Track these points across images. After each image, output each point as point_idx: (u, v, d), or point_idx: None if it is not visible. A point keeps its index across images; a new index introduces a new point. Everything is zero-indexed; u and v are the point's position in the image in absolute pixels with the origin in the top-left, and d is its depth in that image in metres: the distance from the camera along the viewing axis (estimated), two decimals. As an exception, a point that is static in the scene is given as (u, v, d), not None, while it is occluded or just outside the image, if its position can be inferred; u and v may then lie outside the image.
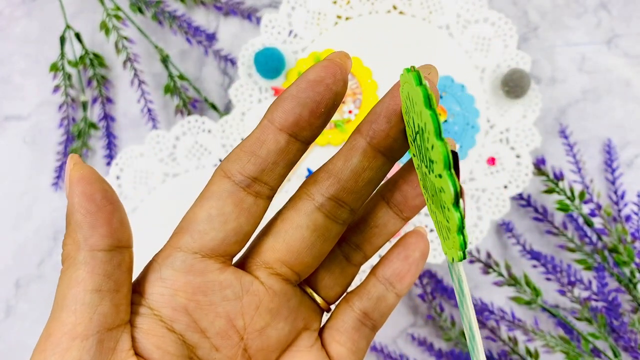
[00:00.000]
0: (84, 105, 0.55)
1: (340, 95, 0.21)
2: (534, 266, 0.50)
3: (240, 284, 0.22)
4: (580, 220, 0.50)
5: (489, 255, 0.50)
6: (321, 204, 0.22)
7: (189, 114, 0.53)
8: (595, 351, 0.47)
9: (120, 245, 0.21)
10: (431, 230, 0.48)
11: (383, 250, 0.45)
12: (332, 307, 0.26)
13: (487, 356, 0.49)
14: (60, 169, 0.54)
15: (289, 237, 0.22)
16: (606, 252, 0.49)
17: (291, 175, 0.49)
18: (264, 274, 0.23)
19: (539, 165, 0.50)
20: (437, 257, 0.47)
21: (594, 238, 0.49)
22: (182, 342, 0.21)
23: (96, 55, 0.55)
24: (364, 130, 0.22)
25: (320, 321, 0.26)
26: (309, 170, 0.49)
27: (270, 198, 0.22)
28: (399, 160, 0.22)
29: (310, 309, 0.25)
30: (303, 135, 0.21)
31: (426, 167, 0.19)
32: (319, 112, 0.21)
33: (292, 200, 0.23)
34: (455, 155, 0.17)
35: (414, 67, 0.19)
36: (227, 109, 0.55)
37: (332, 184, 0.22)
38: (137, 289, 0.22)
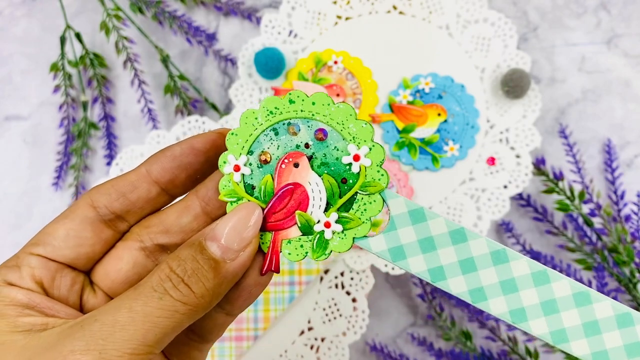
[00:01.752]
0: (84, 105, 0.55)
1: (215, 165, 0.24)
2: (534, 266, 0.50)
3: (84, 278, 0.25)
4: (580, 220, 0.50)
5: (488, 255, 0.50)
6: (146, 247, 0.24)
7: (189, 114, 0.53)
8: (595, 351, 0.47)
9: None
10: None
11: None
12: None
13: (487, 356, 0.49)
14: (61, 169, 0.54)
15: (109, 266, 0.24)
16: (606, 252, 0.49)
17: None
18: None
19: (539, 165, 0.50)
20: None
21: (594, 238, 0.50)
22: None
23: (96, 55, 0.55)
24: (200, 193, 0.24)
25: None
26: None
27: (125, 232, 0.25)
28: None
29: None
30: (174, 192, 0.24)
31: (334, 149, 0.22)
32: (194, 178, 0.24)
33: (125, 235, 0.25)
34: None
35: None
36: (227, 109, 0.55)
37: (160, 233, 0.24)
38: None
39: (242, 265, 0.21)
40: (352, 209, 0.22)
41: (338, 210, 0.22)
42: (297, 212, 0.22)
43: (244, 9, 0.55)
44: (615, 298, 0.48)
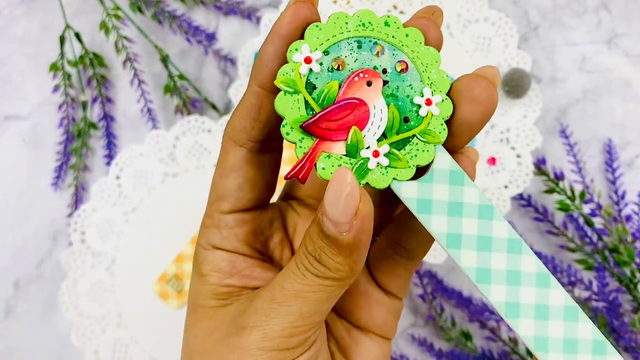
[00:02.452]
0: (84, 105, 0.55)
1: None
2: (535, 266, 0.50)
3: (281, 213, 0.27)
4: (581, 220, 0.50)
5: (489, 255, 0.50)
6: None
7: (189, 113, 0.53)
8: (596, 351, 0.47)
9: None
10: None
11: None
12: None
13: (487, 357, 0.49)
14: (60, 168, 0.54)
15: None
16: (607, 252, 0.49)
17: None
18: (298, 205, 0.28)
19: (540, 165, 0.50)
20: (437, 257, 0.47)
21: (595, 238, 0.49)
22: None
23: (96, 55, 0.55)
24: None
25: None
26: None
27: (281, 144, 0.25)
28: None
29: None
30: None
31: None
32: None
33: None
34: None
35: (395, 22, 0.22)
36: (227, 108, 0.55)
37: None
38: (206, 246, 0.25)
39: (359, 234, 0.20)
40: (404, 149, 0.21)
41: (391, 144, 0.21)
42: (354, 127, 0.21)
43: (244, 8, 0.55)
44: (616, 298, 0.48)
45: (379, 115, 0.21)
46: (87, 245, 0.49)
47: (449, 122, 0.21)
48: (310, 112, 0.21)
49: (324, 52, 0.21)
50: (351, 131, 0.21)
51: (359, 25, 0.21)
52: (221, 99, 0.55)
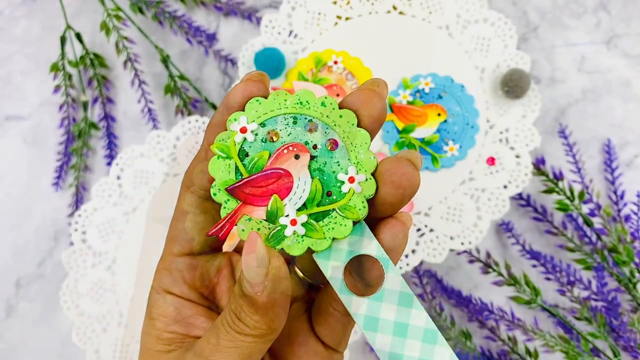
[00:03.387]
0: (85, 105, 0.55)
1: None
2: (534, 266, 0.50)
3: (231, 262, 0.27)
4: (580, 220, 0.50)
5: (488, 255, 0.50)
6: None
7: (190, 114, 0.53)
8: (595, 351, 0.47)
9: None
10: (431, 230, 0.48)
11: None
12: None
13: (487, 356, 0.49)
14: (61, 169, 0.54)
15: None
16: (606, 252, 0.49)
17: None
18: None
19: (539, 165, 0.50)
20: (437, 257, 0.48)
21: (594, 238, 0.50)
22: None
23: (96, 56, 0.55)
24: None
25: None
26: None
27: None
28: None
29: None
30: None
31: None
32: None
33: None
34: None
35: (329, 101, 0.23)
36: (227, 109, 0.55)
37: None
38: (158, 290, 0.26)
39: (272, 293, 0.21)
40: (322, 222, 0.23)
41: (310, 215, 0.23)
42: (274, 195, 0.23)
43: (244, 9, 0.55)
44: (615, 298, 0.48)
45: (302, 186, 0.23)
46: (88, 244, 0.49)
47: (372, 198, 0.23)
48: (239, 177, 0.23)
49: (260, 124, 0.23)
50: (272, 199, 0.22)
51: (297, 103, 0.23)
52: (221, 99, 0.55)
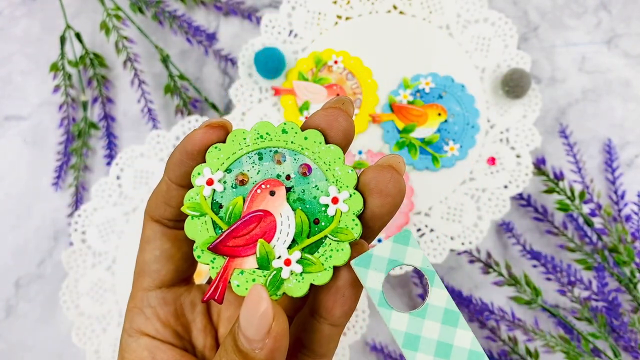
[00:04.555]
0: (84, 105, 0.55)
1: None
2: (534, 266, 0.50)
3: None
4: (580, 220, 0.50)
5: (489, 255, 0.50)
6: None
7: (189, 113, 0.53)
8: (595, 351, 0.47)
9: None
10: (431, 231, 0.48)
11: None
12: None
13: (487, 356, 0.49)
14: (61, 168, 0.54)
15: None
16: (606, 252, 0.49)
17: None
18: None
19: (539, 165, 0.50)
20: (437, 257, 0.48)
21: (594, 238, 0.50)
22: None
23: (96, 55, 0.55)
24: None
25: None
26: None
27: None
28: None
29: None
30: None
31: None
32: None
33: None
34: None
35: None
36: (228, 108, 0.55)
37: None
38: (130, 332, 0.25)
39: (271, 352, 0.20)
40: (318, 252, 0.21)
41: (302, 250, 0.21)
42: (260, 240, 0.21)
43: (244, 8, 0.55)
44: (615, 298, 0.48)
45: (287, 222, 0.21)
46: (88, 244, 0.49)
47: (359, 216, 0.21)
48: (219, 232, 0.21)
49: (226, 170, 0.22)
50: (258, 244, 0.21)
51: (257, 138, 0.22)
52: (221, 99, 0.55)
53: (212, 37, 0.55)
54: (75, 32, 0.54)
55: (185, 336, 0.26)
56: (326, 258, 0.21)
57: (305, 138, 0.22)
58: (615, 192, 0.50)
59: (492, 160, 0.48)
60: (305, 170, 0.22)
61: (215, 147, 0.22)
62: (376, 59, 0.50)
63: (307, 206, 0.22)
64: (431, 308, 0.21)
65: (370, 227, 0.22)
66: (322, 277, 0.21)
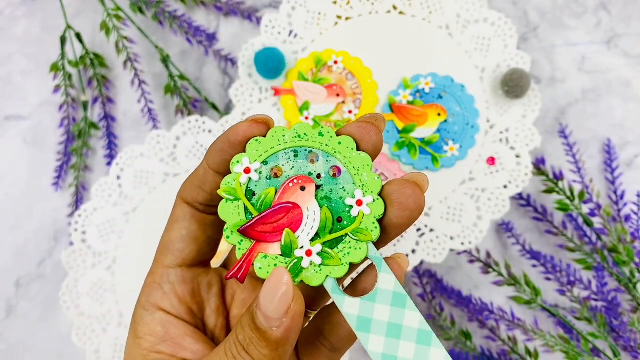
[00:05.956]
0: (85, 105, 0.55)
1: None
2: (534, 266, 0.50)
3: (221, 280, 0.28)
4: (580, 220, 0.50)
5: (488, 255, 0.50)
6: None
7: (190, 114, 0.53)
8: (595, 351, 0.47)
9: None
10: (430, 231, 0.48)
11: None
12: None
13: (487, 356, 0.49)
14: (61, 168, 0.54)
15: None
16: (606, 252, 0.49)
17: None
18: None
19: (539, 165, 0.50)
20: (437, 257, 0.48)
21: (594, 238, 0.50)
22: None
23: (97, 55, 0.55)
24: None
25: None
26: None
27: None
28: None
29: None
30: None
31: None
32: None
33: None
34: None
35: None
36: (228, 108, 0.55)
37: None
38: (147, 306, 0.26)
39: (287, 331, 0.21)
40: (337, 248, 0.23)
41: (324, 244, 0.23)
42: (286, 229, 0.23)
43: (244, 9, 0.55)
44: (615, 298, 0.48)
45: (312, 216, 0.23)
46: (88, 245, 0.49)
47: (379, 221, 0.23)
48: (250, 217, 0.23)
49: (263, 162, 0.24)
50: (284, 233, 0.23)
51: (295, 137, 0.24)
52: (222, 99, 0.55)
53: (212, 37, 0.55)
54: (76, 32, 0.54)
55: (199, 314, 0.27)
56: (344, 254, 0.23)
57: (339, 143, 0.24)
58: (615, 192, 0.50)
59: (491, 160, 0.48)
60: (336, 172, 0.24)
61: (256, 140, 0.24)
62: (376, 59, 0.50)
63: (333, 205, 0.23)
64: (380, 292, 0.22)
65: (387, 233, 0.23)
66: (338, 271, 0.23)
